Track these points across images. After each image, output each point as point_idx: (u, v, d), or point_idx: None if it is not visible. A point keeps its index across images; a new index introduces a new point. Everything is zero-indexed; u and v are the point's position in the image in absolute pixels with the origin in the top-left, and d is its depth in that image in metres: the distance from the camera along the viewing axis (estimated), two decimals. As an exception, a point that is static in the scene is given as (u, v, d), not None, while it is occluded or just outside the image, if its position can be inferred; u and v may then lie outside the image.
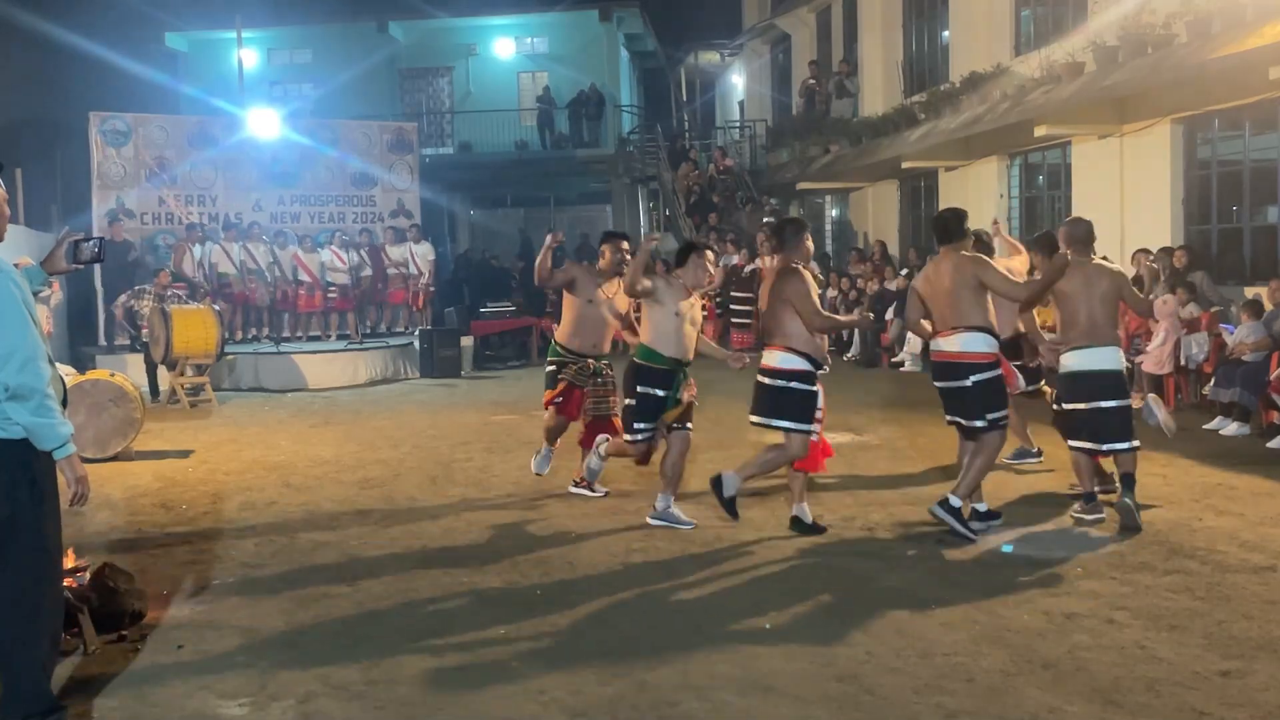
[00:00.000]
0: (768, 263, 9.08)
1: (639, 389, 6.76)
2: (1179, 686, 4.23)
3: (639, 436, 6.84)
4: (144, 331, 13.87)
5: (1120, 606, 5.15)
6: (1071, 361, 6.72)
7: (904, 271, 16.84)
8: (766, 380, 6.57)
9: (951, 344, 6.54)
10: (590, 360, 7.62)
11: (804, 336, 6.50)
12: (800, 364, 6.48)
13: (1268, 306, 10.23)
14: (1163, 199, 13.32)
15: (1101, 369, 6.63)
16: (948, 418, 6.80)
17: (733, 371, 7.16)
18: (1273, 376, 9.42)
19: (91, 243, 4.22)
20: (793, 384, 6.49)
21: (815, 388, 6.55)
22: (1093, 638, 4.76)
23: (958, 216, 6.83)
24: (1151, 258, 11.63)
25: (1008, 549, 6.20)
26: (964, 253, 6.66)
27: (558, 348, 7.71)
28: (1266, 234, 12.38)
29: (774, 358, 6.55)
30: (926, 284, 6.74)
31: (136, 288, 14.69)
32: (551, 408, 7.72)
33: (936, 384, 6.77)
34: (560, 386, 7.61)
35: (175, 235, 17.06)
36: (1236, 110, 12.26)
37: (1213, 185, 13.02)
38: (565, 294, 7.71)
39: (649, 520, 6.91)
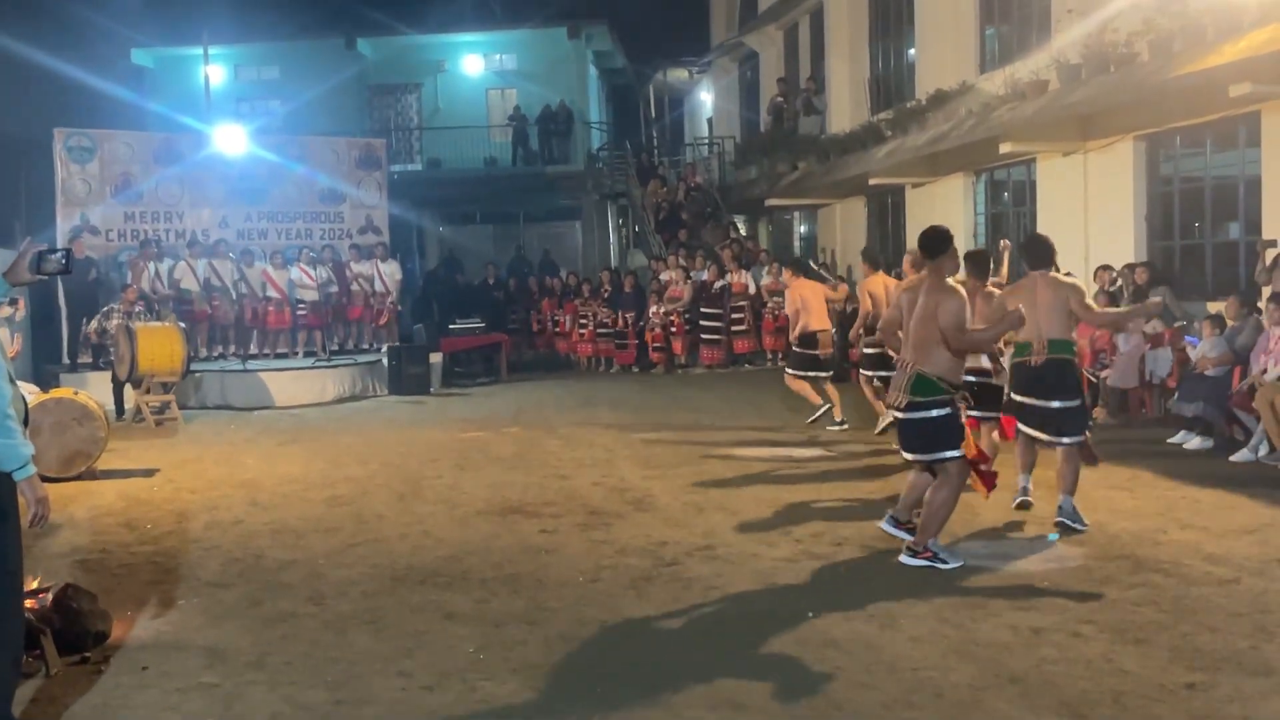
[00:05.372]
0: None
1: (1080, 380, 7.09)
2: (1145, 699, 4.27)
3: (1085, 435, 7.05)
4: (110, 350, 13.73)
5: (1087, 620, 5.19)
6: None
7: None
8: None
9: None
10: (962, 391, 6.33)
11: None
12: None
13: (1230, 322, 10.35)
14: (1126, 215, 13.46)
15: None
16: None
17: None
18: (1234, 391, 9.54)
19: (58, 254, 4.07)
20: None
21: None
22: (1060, 651, 4.80)
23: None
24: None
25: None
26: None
27: (941, 384, 6.05)
28: (1228, 250, 12.53)
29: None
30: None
31: (105, 308, 14.55)
32: (964, 464, 6.19)
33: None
34: (970, 433, 6.30)
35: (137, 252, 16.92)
36: (1198, 128, 12.41)
37: (1175, 202, 13.18)
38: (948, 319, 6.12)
39: (1063, 522, 6.81)
